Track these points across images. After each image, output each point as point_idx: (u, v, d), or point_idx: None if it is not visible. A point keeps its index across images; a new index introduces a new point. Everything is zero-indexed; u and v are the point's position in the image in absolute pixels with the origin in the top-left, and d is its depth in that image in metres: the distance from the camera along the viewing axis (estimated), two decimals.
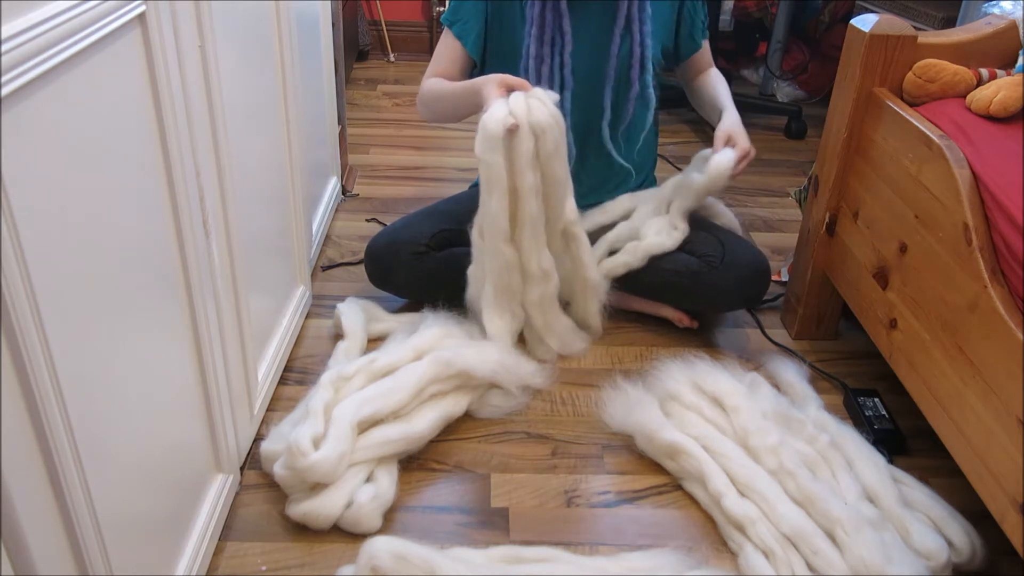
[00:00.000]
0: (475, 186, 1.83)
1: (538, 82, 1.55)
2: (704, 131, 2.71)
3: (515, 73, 1.46)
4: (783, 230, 2.13)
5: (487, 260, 1.44)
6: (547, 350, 1.55)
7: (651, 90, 1.60)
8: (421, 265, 1.59)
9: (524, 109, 1.32)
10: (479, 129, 1.33)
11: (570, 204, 1.45)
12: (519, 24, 1.54)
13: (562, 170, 1.39)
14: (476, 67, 1.62)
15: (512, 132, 1.31)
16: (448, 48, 1.59)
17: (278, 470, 1.18)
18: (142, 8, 0.84)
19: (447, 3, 3.23)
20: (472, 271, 1.50)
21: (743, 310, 1.72)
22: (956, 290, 1.16)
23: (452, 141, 2.57)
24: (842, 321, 1.67)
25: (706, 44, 1.70)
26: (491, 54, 1.60)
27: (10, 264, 0.64)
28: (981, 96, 1.28)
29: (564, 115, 1.50)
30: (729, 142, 1.54)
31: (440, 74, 1.59)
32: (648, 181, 1.76)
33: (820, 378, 1.55)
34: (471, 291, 1.51)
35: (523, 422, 1.42)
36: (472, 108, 1.44)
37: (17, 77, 0.63)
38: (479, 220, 1.43)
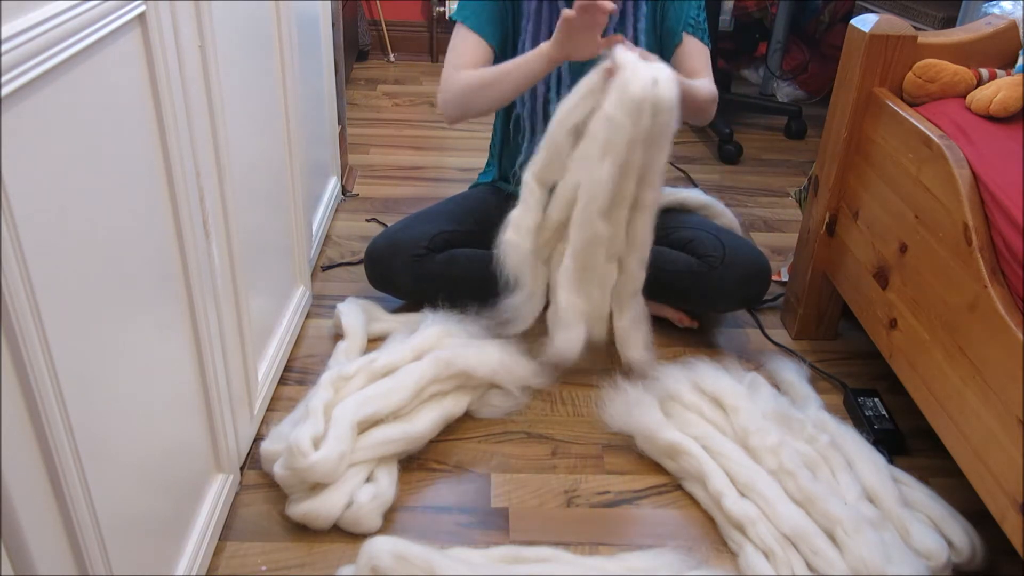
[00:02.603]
0: (475, 186, 1.83)
1: (546, 84, 1.54)
2: (705, 131, 2.71)
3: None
4: (783, 230, 2.13)
5: (574, 231, 1.33)
6: (630, 346, 1.46)
7: None
8: (421, 267, 1.58)
9: (653, 80, 1.24)
10: (618, 86, 1.24)
11: (657, 195, 1.36)
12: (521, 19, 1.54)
13: (666, 156, 1.32)
14: (496, 55, 1.56)
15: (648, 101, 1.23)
16: (464, 42, 1.53)
17: (278, 470, 1.18)
18: (142, 8, 0.84)
19: (446, 3, 3.24)
20: (524, 221, 1.38)
21: (743, 310, 1.72)
22: (956, 290, 1.16)
23: (452, 141, 2.57)
24: (842, 321, 1.67)
25: (699, 49, 1.56)
26: (509, 41, 1.57)
27: (10, 264, 0.64)
28: (981, 96, 1.28)
29: None
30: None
31: (464, 67, 1.52)
32: None
33: (820, 378, 1.55)
34: (510, 237, 1.39)
35: (523, 422, 1.42)
36: (533, 73, 1.41)
37: (17, 77, 0.63)
38: (568, 179, 1.32)
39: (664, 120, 1.26)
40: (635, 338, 1.46)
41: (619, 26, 1.54)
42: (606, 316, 1.44)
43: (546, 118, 1.59)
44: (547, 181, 1.38)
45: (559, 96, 1.57)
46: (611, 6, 1.29)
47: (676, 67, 1.55)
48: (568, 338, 1.41)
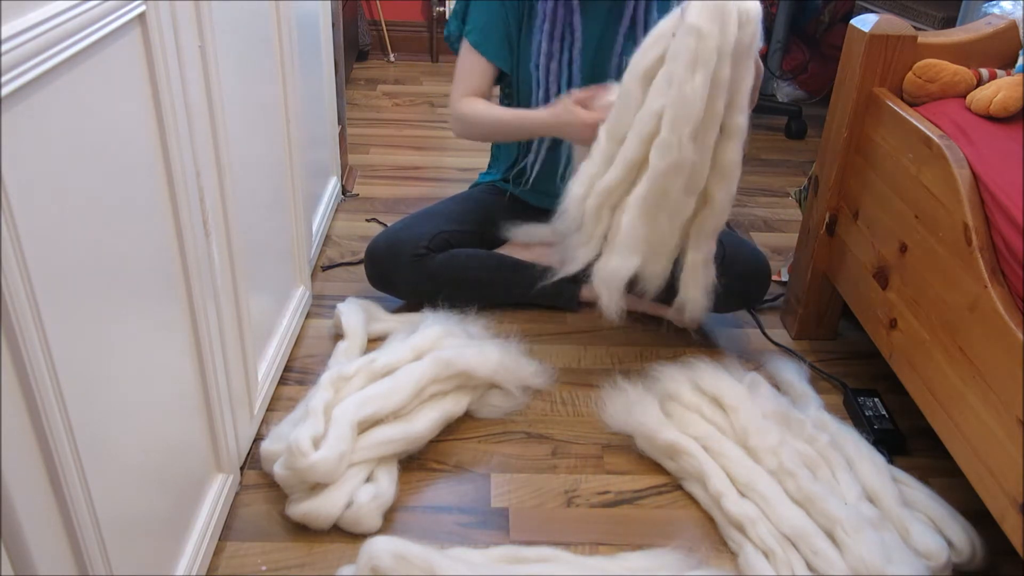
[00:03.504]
0: (475, 186, 1.83)
1: (546, 79, 1.54)
2: None
3: (527, 72, 1.44)
4: (783, 230, 2.13)
5: (656, 155, 1.23)
6: (689, 300, 1.37)
7: None
8: (421, 267, 1.58)
9: None
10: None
11: (746, 121, 1.28)
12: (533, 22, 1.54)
13: (752, 77, 1.25)
14: (503, 75, 1.60)
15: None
16: (473, 68, 1.56)
17: (278, 470, 1.18)
18: (142, 8, 0.84)
19: (446, 3, 3.24)
20: (592, 172, 1.32)
21: (743, 310, 1.72)
22: (956, 290, 1.16)
23: (452, 141, 2.57)
24: (842, 321, 1.67)
25: None
26: (517, 58, 1.58)
27: (10, 264, 0.64)
28: (981, 96, 1.28)
29: None
30: None
31: (472, 92, 1.56)
32: None
33: (820, 378, 1.55)
34: (576, 192, 1.33)
35: (523, 422, 1.42)
36: (532, 135, 1.44)
37: (17, 77, 0.63)
38: (648, 108, 1.23)
39: (751, 31, 1.20)
40: (701, 278, 1.38)
41: (629, 31, 1.53)
42: (668, 253, 1.35)
43: None
44: (619, 134, 1.30)
45: (569, 92, 1.57)
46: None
47: None
48: (619, 266, 1.31)
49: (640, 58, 1.27)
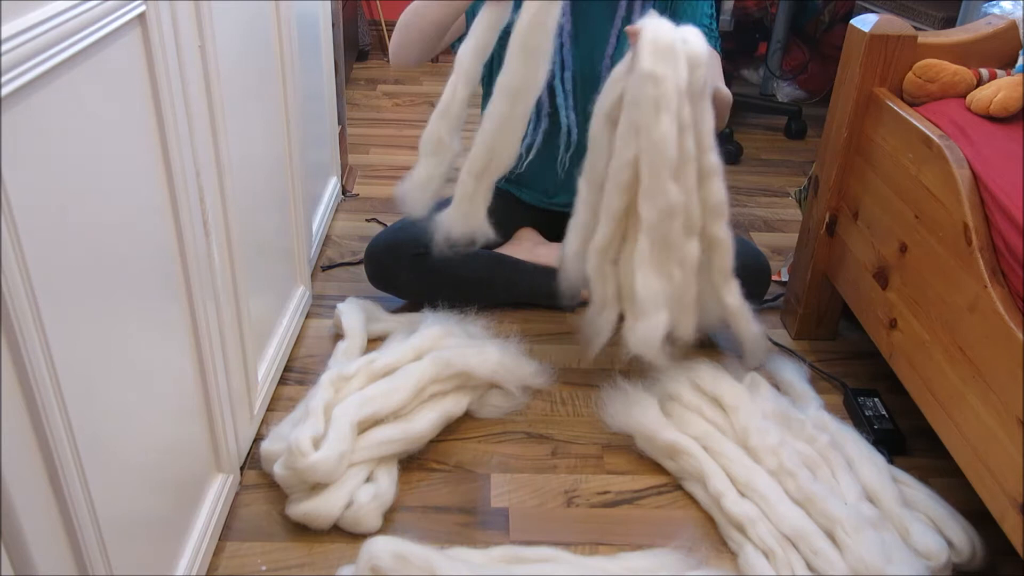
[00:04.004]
0: None
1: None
2: None
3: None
4: (783, 230, 2.13)
5: (645, 206, 1.24)
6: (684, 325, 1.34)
7: None
8: (422, 266, 1.58)
9: (682, 38, 1.21)
10: (647, 39, 1.19)
11: (717, 158, 1.29)
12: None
13: (712, 118, 1.27)
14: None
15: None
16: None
17: (278, 470, 1.18)
18: (142, 8, 0.84)
19: None
20: (581, 223, 1.33)
21: None
22: (956, 290, 1.16)
23: None
24: (842, 321, 1.67)
25: (713, 56, 1.54)
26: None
27: (10, 264, 0.64)
28: (981, 96, 1.28)
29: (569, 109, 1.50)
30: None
31: None
32: None
33: (820, 378, 1.55)
34: (572, 248, 1.34)
35: (523, 422, 1.42)
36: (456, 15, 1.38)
37: (17, 77, 0.63)
38: (620, 158, 1.24)
39: (701, 75, 1.22)
40: (748, 315, 1.39)
41: (621, 34, 1.54)
42: (692, 302, 1.33)
43: (552, 101, 1.58)
44: (595, 181, 1.33)
45: (562, 81, 1.56)
46: None
47: None
48: (649, 326, 1.28)
49: (603, 100, 1.30)
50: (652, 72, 1.19)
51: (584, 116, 1.60)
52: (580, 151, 1.62)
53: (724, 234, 1.33)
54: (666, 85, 1.19)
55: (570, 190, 1.44)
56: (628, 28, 1.26)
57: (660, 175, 1.22)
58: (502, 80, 1.24)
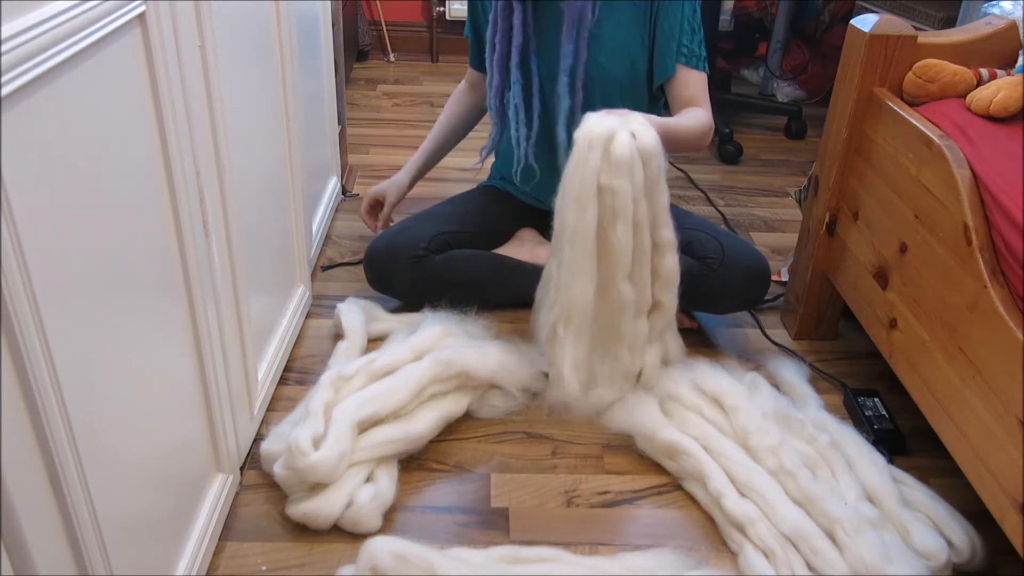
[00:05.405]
0: (482, 187, 1.83)
1: (502, 78, 1.53)
2: None
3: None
4: (783, 230, 2.13)
5: (602, 305, 1.32)
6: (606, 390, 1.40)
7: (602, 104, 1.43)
8: (420, 268, 1.58)
9: (629, 135, 1.24)
10: (602, 154, 1.23)
11: (672, 232, 1.34)
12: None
13: (667, 195, 1.31)
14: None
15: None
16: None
17: (278, 470, 1.18)
18: (142, 8, 0.84)
19: (446, 3, 3.24)
20: (547, 307, 1.38)
21: (743, 310, 1.72)
22: (956, 290, 1.16)
23: None
24: (842, 321, 1.67)
25: (694, 77, 1.52)
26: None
27: (10, 264, 0.64)
28: (981, 96, 1.28)
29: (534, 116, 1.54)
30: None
31: (469, 79, 1.77)
32: None
33: (820, 378, 1.55)
34: (543, 327, 1.39)
35: (523, 422, 1.42)
36: None
37: (17, 77, 0.63)
38: (572, 259, 1.29)
39: (655, 165, 1.26)
40: (656, 369, 1.42)
41: (570, 34, 1.47)
42: (635, 375, 1.40)
43: (545, 104, 1.58)
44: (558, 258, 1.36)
45: (538, 71, 1.55)
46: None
47: (672, 97, 1.55)
48: (563, 393, 1.38)
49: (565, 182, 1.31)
50: (610, 187, 1.24)
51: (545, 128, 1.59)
52: (552, 168, 1.62)
53: (669, 300, 1.38)
54: (622, 197, 1.24)
55: None
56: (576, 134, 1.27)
57: (615, 279, 1.30)
58: (560, 232, 1.31)
